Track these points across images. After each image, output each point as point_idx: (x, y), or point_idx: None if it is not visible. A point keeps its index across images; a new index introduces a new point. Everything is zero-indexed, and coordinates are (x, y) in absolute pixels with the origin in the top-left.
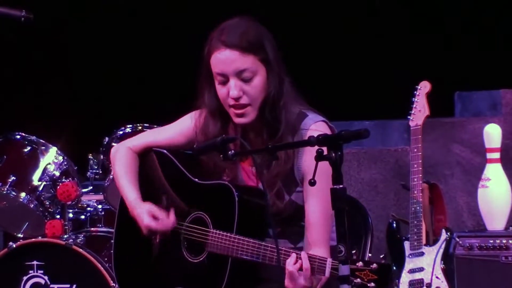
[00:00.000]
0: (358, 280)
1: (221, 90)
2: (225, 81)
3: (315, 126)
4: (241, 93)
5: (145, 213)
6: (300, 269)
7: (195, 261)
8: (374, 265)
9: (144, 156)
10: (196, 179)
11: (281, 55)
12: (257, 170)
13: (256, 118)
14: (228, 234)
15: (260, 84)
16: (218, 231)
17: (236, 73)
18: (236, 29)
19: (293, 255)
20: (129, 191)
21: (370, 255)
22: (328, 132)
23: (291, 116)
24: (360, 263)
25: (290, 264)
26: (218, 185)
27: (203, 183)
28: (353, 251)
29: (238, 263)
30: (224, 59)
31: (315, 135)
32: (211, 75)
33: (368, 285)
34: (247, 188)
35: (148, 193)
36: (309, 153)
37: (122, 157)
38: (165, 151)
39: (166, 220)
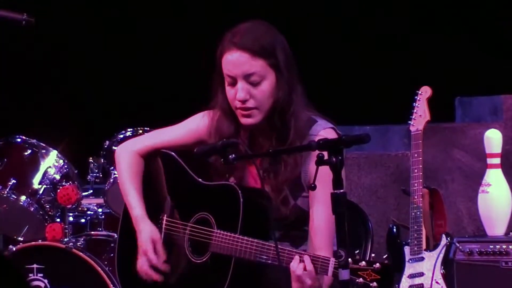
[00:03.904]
0: (361, 279)
1: (229, 92)
2: (233, 83)
3: (324, 132)
4: (248, 96)
5: (149, 240)
6: (305, 269)
7: (198, 261)
8: (377, 265)
9: (150, 158)
10: (202, 180)
11: (295, 62)
12: (259, 173)
13: (264, 122)
14: (232, 234)
15: (268, 89)
16: (222, 232)
17: (244, 76)
18: (249, 32)
19: (296, 257)
20: (134, 203)
21: (373, 254)
22: None
23: (301, 123)
24: (363, 263)
25: (295, 266)
26: (224, 186)
27: (209, 184)
28: (356, 251)
29: (241, 264)
30: (233, 60)
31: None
32: (222, 76)
33: (371, 284)
34: (252, 189)
35: (152, 195)
36: None
37: (126, 162)
38: (171, 152)
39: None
